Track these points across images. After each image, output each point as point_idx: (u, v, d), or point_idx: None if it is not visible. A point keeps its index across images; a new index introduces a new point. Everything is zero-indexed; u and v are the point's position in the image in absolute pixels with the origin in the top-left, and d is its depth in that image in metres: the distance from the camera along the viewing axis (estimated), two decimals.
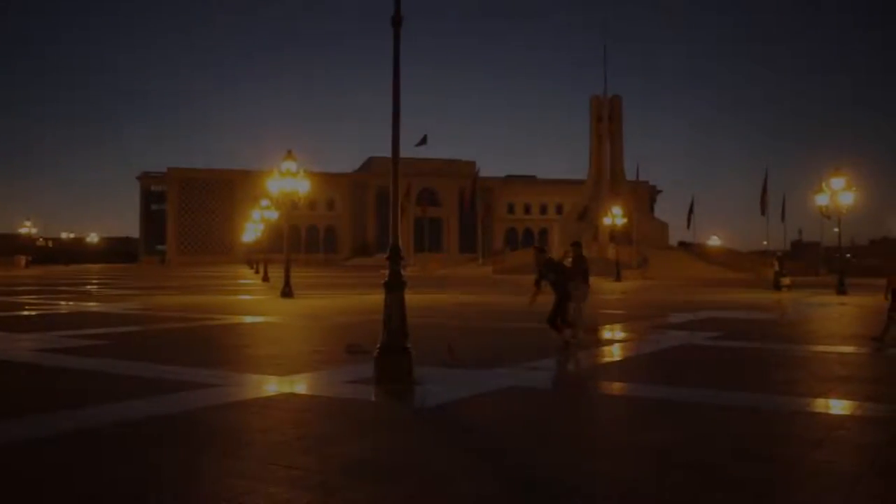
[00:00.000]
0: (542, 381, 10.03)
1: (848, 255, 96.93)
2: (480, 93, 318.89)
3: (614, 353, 13.56)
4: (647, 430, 7.31)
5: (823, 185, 37.92)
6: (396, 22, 10.25)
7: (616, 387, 10.06)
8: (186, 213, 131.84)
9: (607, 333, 16.89)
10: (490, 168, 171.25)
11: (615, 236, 67.34)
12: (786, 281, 40.10)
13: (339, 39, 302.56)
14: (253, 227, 70.25)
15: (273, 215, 52.73)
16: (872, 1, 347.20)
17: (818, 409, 8.30)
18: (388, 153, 10.44)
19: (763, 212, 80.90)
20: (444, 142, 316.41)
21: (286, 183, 31.41)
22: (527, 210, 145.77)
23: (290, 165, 31.09)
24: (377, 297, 11.26)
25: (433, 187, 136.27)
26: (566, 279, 14.04)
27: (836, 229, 38.52)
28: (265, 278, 47.12)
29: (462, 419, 7.85)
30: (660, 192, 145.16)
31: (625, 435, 7.12)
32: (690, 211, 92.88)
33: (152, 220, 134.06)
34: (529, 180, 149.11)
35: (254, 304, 28.08)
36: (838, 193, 37.05)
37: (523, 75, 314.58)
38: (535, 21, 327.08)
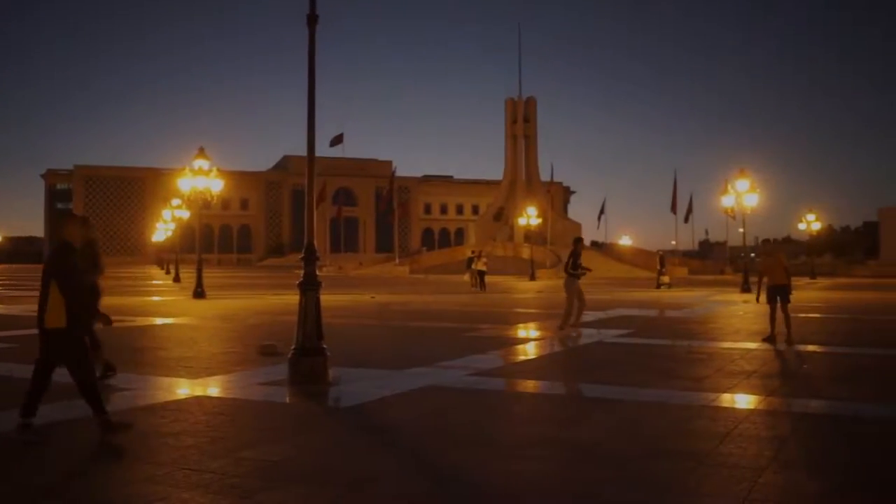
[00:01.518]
0: (459, 380, 10.08)
1: (752, 255, 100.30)
2: (397, 93, 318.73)
3: (529, 352, 13.72)
4: (562, 426, 7.43)
5: (728, 186, 39.17)
6: (312, 20, 10.16)
7: (532, 385, 10.18)
8: (94, 211, 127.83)
9: (521, 332, 17.07)
10: (407, 168, 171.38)
11: (530, 236, 68.13)
12: (665, 279, 41.15)
13: (255, 37, 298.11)
14: (164, 227, 68.67)
15: (185, 214, 51.59)
16: (777, 1, 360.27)
17: (724, 404, 8.56)
18: (303, 152, 10.35)
19: (674, 211, 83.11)
20: (361, 141, 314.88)
21: (198, 181, 30.77)
22: (443, 210, 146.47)
23: (202, 163, 30.46)
24: (292, 298, 11.14)
25: (349, 187, 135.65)
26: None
27: (741, 229, 39.79)
28: (176, 279, 46.12)
29: (379, 419, 7.82)
30: (573, 192, 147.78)
31: (542, 432, 7.21)
32: (602, 211, 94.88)
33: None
34: (446, 180, 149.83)
35: (165, 305, 27.42)
36: (742, 195, 38.32)
37: (440, 75, 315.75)
38: (451, 21, 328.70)
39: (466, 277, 42.45)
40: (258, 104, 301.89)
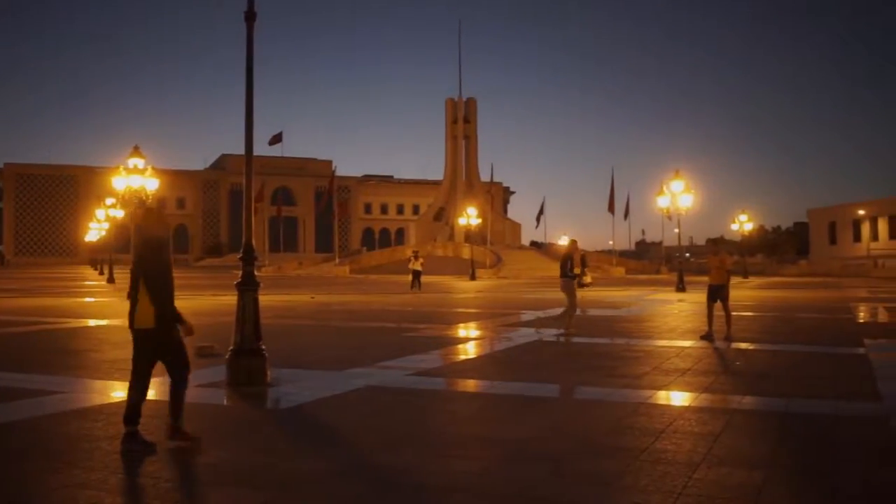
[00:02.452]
0: (399, 380, 10.07)
1: (687, 255, 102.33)
2: (337, 92, 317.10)
3: (469, 351, 13.78)
4: (501, 425, 7.48)
5: (664, 187, 39.89)
6: (249, 17, 10.05)
7: (471, 384, 10.23)
8: (25, 211, 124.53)
9: (462, 332, 17.13)
10: (347, 168, 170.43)
11: (470, 236, 68.42)
12: (587, 279, 41.63)
13: (192, 34, 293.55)
14: (97, 227, 67.11)
15: (119, 214, 50.54)
16: (716, 4, 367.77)
17: (661, 401, 8.72)
18: (241, 151, 10.25)
19: (611, 211, 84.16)
20: (300, 141, 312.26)
21: (133, 180, 30.21)
22: (384, 210, 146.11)
23: (137, 161, 29.95)
24: (230, 299, 11.01)
25: (289, 186, 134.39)
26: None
27: (676, 230, 40.55)
28: (110, 279, 45.10)
29: (319, 420, 7.78)
30: (513, 192, 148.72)
31: (481, 431, 7.25)
32: (541, 212, 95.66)
33: None
34: (387, 180, 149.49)
35: (98, 306, 26.80)
36: (678, 195, 39.05)
37: (381, 75, 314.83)
38: (392, 20, 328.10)
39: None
40: (195, 102, 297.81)
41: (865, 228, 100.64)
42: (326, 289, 40.47)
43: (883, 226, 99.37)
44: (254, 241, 10.03)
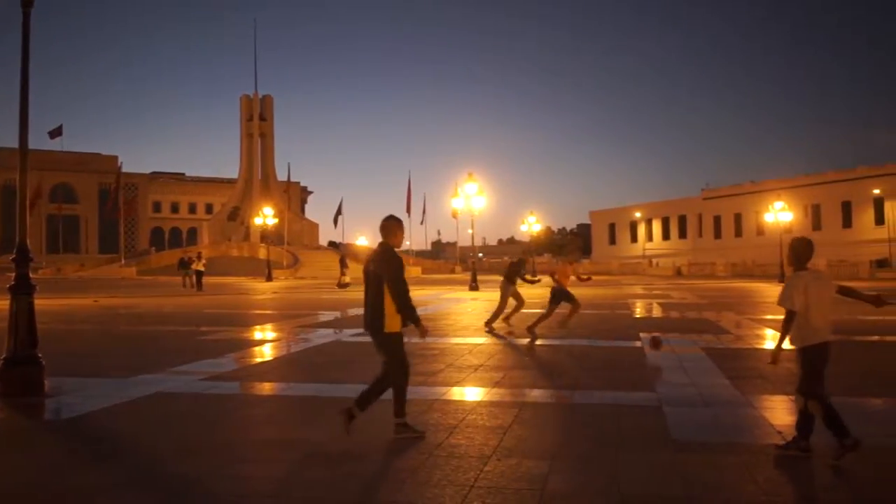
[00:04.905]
0: (191, 385, 9.73)
1: (480, 255, 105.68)
2: (125, 85, 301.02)
3: (266, 354, 13.54)
4: (297, 428, 7.42)
5: (458, 189, 41.03)
6: (27, 2, 9.36)
7: (267, 387, 10.06)
8: None
9: (258, 334, 16.80)
10: (135, 164, 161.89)
11: (266, 236, 67.16)
12: (346, 280, 42.44)
13: None
14: None
15: None
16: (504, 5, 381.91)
17: (454, 397, 8.96)
18: (15, 144, 9.52)
19: (408, 212, 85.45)
20: (84, 135, 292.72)
21: None
22: (175, 209, 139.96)
23: None
24: (1, 304, 10.21)
25: (70, 183, 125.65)
26: None
27: (470, 230, 41.84)
28: None
29: (104, 430, 7.37)
30: (311, 192, 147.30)
31: (276, 434, 7.16)
32: (339, 212, 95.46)
33: None
34: (178, 178, 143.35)
35: None
36: (471, 197, 40.29)
37: (172, 68, 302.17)
38: (188, 13, 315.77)
39: (192, 278, 41.09)
40: None
41: (641, 230, 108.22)
42: (112, 291, 38.36)
43: (657, 227, 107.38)
44: (29, 242, 9.37)
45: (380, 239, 7.07)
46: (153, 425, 7.63)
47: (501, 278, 17.86)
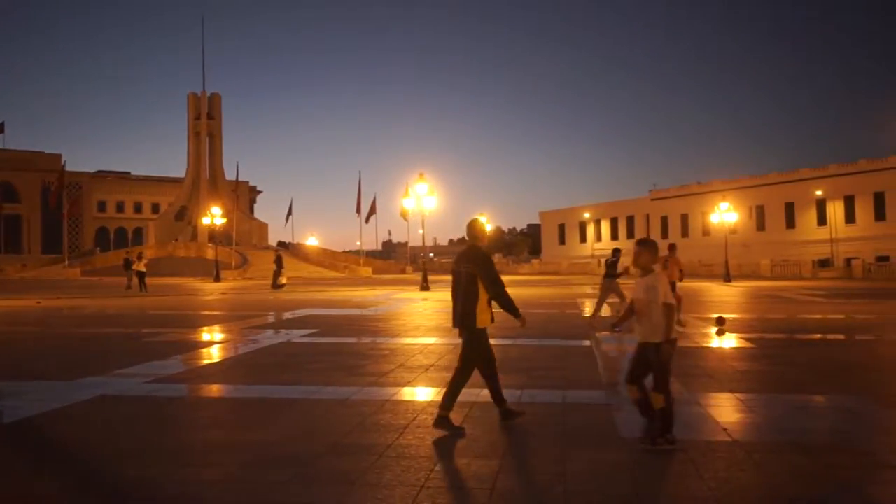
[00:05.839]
0: (137, 388, 9.56)
1: (431, 255, 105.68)
2: (69, 82, 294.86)
3: (213, 355, 13.37)
4: (245, 430, 7.33)
5: (409, 189, 41.01)
6: None
7: (215, 389, 9.93)
8: None
9: (206, 335, 16.59)
10: (79, 163, 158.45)
11: (214, 236, 66.35)
12: (282, 280, 42.32)
13: None
14: None
15: None
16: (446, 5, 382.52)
17: (406, 398, 8.95)
18: None
19: (359, 212, 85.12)
20: (25, 132, 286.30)
21: None
22: (120, 208, 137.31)
23: None
24: None
25: (11, 181, 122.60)
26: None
27: (421, 230, 41.85)
28: None
29: (45, 435, 7.20)
30: (260, 192, 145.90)
31: (226, 436, 7.07)
32: (289, 212, 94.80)
33: None
34: (124, 177, 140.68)
35: None
36: (421, 197, 40.28)
37: (119, 66, 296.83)
38: (132, 10, 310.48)
39: (133, 279, 40.39)
40: None
41: (590, 230, 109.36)
42: (55, 292, 37.55)
43: (606, 227, 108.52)
44: None
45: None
46: (97, 429, 7.48)
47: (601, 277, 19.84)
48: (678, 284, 18.10)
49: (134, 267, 39.49)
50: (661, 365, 6.40)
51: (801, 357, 12.50)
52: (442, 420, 7.07)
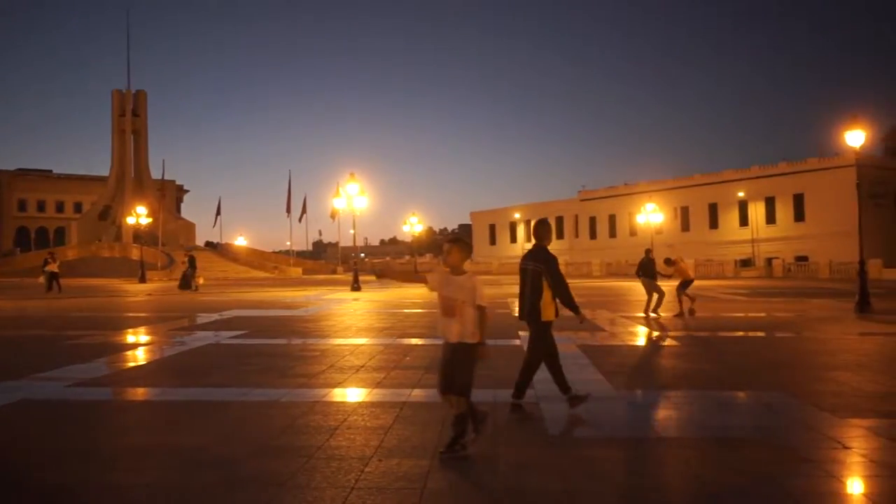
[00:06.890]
0: (59, 392, 9.32)
1: (362, 255, 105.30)
2: None
3: (139, 358, 13.09)
4: (172, 434, 7.21)
5: (340, 189, 40.81)
6: None
7: (141, 392, 9.73)
8: None
9: (130, 338, 16.24)
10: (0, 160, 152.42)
11: (140, 236, 64.96)
12: (199, 281, 42.01)
13: None
14: None
15: None
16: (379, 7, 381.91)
17: (336, 399, 8.91)
18: None
19: (289, 212, 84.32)
20: None
21: None
22: (41, 207, 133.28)
23: None
24: None
25: None
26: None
27: (352, 230, 41.71)
28: None
29: None
30: (187, 191, 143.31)
31: (152, 440, 6.94)
32: (218, 212, 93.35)
33: None
34: (45, 175, 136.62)
35: None
36: (352, 198, 40.12)
37: (41, 62, 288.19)
38: (55, 4, 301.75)
39: (41, 280, 39.30)
40: None
41: (521, 230, 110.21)
42: None
43: None
44: None
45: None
46: (19, 434, 7.27)
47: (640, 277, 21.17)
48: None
49: (47, 268, 38.48)
50: (471, 368, 6.35)
51: (724, 354, 12.85)
52: (515, 407, 8.01)
